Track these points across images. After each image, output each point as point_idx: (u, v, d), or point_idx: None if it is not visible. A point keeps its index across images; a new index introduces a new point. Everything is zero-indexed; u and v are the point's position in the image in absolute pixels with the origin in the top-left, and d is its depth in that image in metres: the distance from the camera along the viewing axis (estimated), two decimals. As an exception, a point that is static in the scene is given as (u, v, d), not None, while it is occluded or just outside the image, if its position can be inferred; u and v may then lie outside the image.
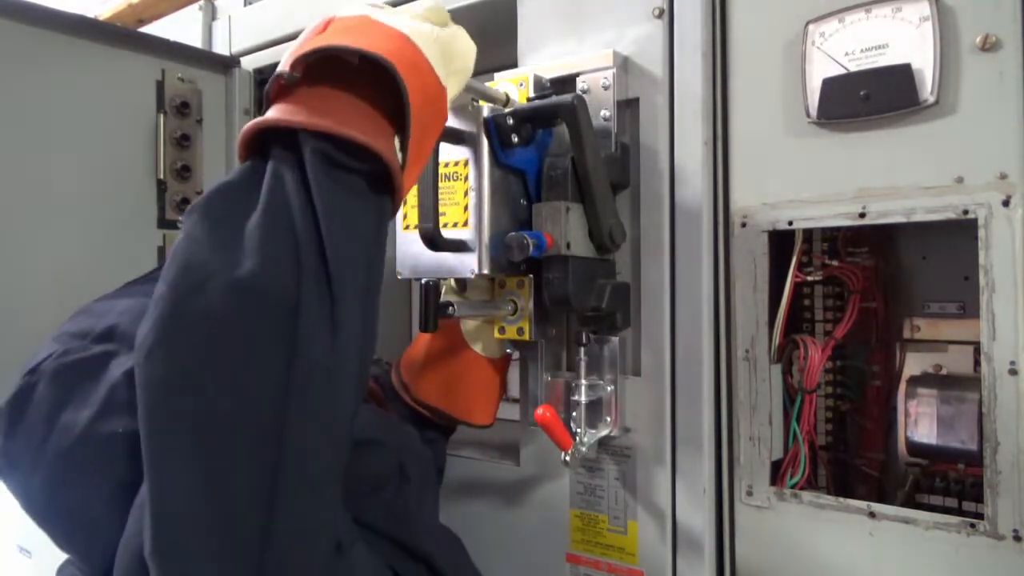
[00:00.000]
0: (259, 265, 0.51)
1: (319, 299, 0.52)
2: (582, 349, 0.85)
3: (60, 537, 0.64)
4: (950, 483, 0.82)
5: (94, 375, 0.62)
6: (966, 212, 0.68)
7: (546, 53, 0.92)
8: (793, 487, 0.80)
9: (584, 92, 0.86)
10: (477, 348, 0.90)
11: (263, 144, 0.57)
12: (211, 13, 1.42)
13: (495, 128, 0.78)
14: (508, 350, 0.93)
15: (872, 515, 0.73)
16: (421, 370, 0.92)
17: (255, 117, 0.58)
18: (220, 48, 1.36)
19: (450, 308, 0.77)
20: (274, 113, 0.57)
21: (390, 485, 0.72)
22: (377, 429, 0.75)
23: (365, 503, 0.64)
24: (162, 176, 1.18)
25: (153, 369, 0.50)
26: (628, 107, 0.86)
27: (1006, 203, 0.66)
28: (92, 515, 0.61)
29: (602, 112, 0.85)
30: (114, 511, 0.59)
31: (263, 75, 1.34)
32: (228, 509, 0.49)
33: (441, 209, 0.78)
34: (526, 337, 0.84)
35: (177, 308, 0.50)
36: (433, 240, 0.76)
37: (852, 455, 0.90)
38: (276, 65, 0.55)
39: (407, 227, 0.85)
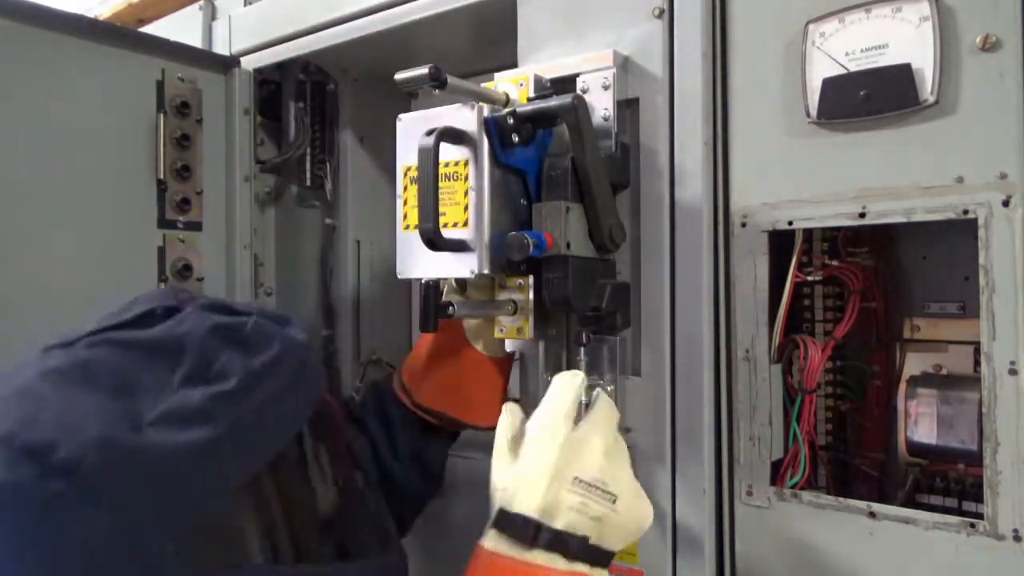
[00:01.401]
0: None
1: None
2: (582, 349, 0.85)
3: None
4: (950, 483, 0.82)
5: (45, 523, 0.48)
6: (966, 212, 0.68)
7: (546, 53, 0.92)
8: (793, 487, 0.80)
9: (584, 92, 0.86)
10: (479, 347, 0.90)
11: None
12: (211, 13, 1.42)
13: (495, 128, 0.78)
14: (510, 349, 0.93)
15: (872, 515, 0.73)
16: (423, 373, 0.92)
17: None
18: (220, 48, 1.36)
19: (450, 308, 0.77)
20: None
21: None
22: None
23: None
24: (162, 176, 1.17)
25: None
26: (628, 107, 0.86)
27: (1006, 203, 0.66)
28: None
29: (602, 112, 0.85)
30: None
31: (263, 75, 1.34)
32: None
33: (441, 209, 0.77)
34: (526, 337, 0.84)
35: None
36: (433, 240, 0.76)
37: (852, 455, 0.90)
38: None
39: (407, 227, 0.85)
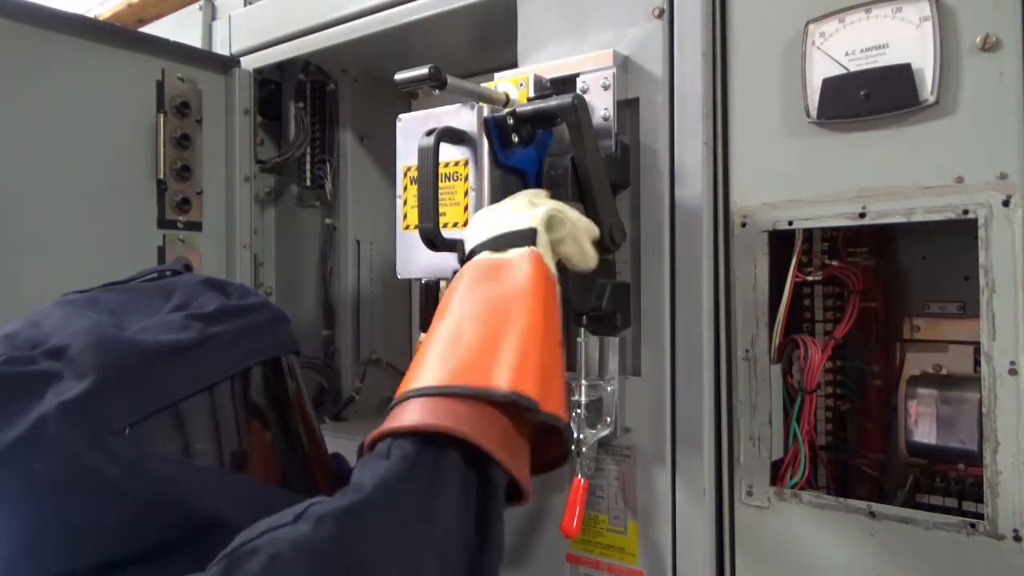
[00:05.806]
0: None
1: None
2: (582, 349, 0.85)
3: None
4: (950, 483, 0.82)
5: (31, 395, 0.57)
6: (966, 212, 0.68)
7: (546, 53, 0.92)
8: (793, 487, 0.80)
9: (584, 92, 0.86)
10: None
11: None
12: (211, 13, 1.42)
13: (495, 128, 0.78)
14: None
15: (872, 515, 0.73)
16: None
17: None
18: (220, 48, 1.37)
19: (450, 308, 0.77)
20: (454, 423, 0.56)
21: None
22: None
23: None
24: (162, 176, 1.18)
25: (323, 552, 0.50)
26: (628, 107, 0.86)
27: (1006, 203, 0.66)
28: None
29: (602, 112, 0.85)
30: (12, 554, 0.57)
31: (263, 75, 1.34)
32: None
33: (441, 209, 0.78)
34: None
35: None
36: (433, 240, 0.76)
37: (852, 455, 0.90)
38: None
39: (407, 227, 0.85)
